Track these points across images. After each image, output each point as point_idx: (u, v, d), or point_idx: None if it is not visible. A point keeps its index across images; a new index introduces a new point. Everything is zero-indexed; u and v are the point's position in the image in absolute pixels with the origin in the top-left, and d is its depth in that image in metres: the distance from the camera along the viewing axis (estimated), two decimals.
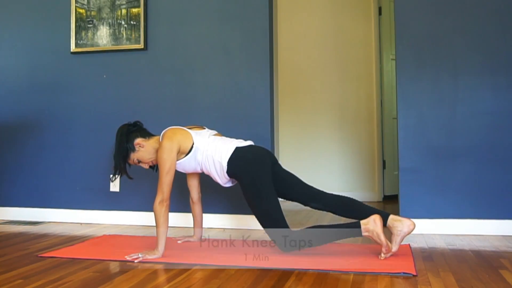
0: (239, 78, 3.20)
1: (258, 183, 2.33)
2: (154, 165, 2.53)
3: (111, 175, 2.52)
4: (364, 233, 2.19)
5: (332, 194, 2.42)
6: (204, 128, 2.57)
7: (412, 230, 2.22)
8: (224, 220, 3.17)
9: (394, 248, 2.19)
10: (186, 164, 2.45)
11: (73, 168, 3.46)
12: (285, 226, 2.30)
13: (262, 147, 2.53)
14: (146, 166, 2.51)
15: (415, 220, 2.33)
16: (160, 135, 2.45)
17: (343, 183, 4.64)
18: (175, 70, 3.32)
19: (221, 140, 2.46)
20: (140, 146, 2.44)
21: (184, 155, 2.42)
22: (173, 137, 2.37)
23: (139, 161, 2.48)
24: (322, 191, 2.43)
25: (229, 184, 2.51)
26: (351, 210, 2.36)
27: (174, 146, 2.35)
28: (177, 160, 2.40)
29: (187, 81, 3.29)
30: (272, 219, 2.31)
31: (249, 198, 2.36)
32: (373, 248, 2.40)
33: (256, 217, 2.37)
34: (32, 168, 3.53)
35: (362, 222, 2.20)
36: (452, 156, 2.88)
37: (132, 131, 2.46)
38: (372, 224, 2.17)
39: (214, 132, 2.57)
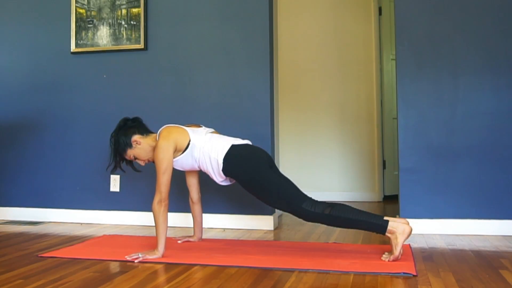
0: (239, 78, 3.20)
1: (257, 176, 2.32)
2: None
3: (107, 165, 2.52)
4: (387, 234, 2.15)
5: (325, 202, 2.37)
6: (201, 127, 2.57)
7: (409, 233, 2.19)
8: (224, 220, 3.17)
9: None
10: (184, 161, 2.44)
11: (73, 168, 3.46)
12: (305, 198, 2.24)
13: (259, 147, 2.52)
14: (142, 163, 2.52)
15: (415, 220, 2.33)
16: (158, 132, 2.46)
17: (343, 183, 4.64)
18: (175, 70, 3.32)
19: (218, 137, 2.46)
20: (137, 143, 2.44)
21: (181, 153, 2.42)
22: (169, 136, 2.37)
23: (136, 158, 2.48)
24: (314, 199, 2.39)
25: (225, 182, 2.50)
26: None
27: (171, 145, 2.35)
28: (174, 157, 2.40)
29: (187, 81, 3.29)
30: (288, 200, 2.26)
31: (256, 194, 2.35)
32: (374, 248, 2.40)
33: (274, 207, 2.34)
34: (32, 168, 3.53)
35: (391, 223, 2.14)
36: (452, 156, 2.88)
37: (130, 127, 2.46)
38: (400, 230, 2.13)
39: (211, 130, 2.57)
